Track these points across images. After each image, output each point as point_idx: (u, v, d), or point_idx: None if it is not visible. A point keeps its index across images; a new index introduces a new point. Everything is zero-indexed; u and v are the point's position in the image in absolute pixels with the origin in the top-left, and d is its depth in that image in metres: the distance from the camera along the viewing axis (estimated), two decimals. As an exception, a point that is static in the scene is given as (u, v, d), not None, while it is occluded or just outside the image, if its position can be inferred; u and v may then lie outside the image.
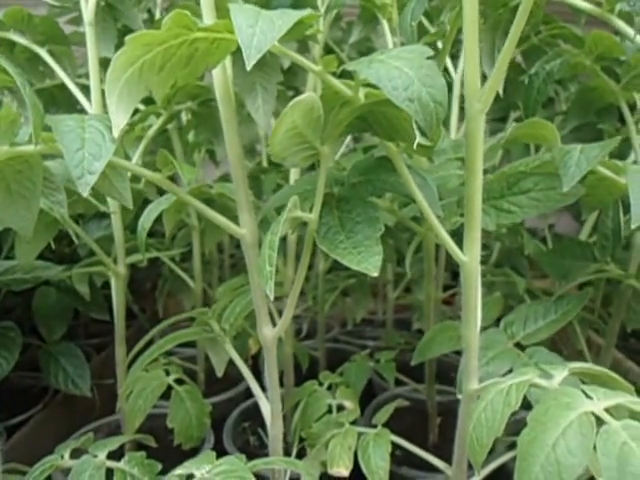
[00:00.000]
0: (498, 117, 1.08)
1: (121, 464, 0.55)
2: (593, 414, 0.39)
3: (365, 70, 0.41)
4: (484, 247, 0.55)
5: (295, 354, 0.91)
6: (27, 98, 0.35)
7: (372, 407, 0.93)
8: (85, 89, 0.77)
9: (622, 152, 0.83)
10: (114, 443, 0.58)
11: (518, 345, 0.67)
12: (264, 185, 1.04)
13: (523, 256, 0.98)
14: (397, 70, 0.40)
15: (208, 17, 0.50)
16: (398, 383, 0.99)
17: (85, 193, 0.36)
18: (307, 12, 0.39)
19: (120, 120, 0.39)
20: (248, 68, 0.35)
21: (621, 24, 0.62)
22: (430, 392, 0.89)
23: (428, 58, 0.42)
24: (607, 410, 0.39)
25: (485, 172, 0.51)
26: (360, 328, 1.34)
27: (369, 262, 0.45)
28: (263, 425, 0.94)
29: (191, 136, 0.99)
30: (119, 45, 0.76)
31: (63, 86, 0.89)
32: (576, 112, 0.87)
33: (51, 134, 0.41)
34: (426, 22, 0.82)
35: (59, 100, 0.94)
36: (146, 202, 0.71)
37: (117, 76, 0.39)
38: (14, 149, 0.40)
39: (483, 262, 0.56)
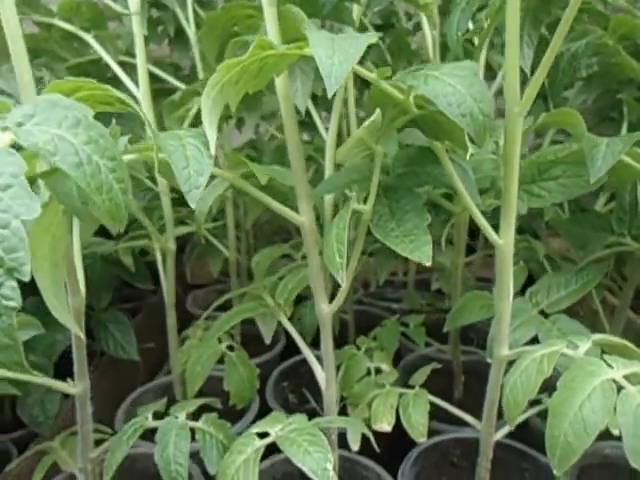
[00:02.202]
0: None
1: (200, 424, 0.63)
2: (614, 381, 0.46)
3: (422, 86, 0.46)
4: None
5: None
6: (148, 125, 0.41)
7: (400, 367, 1.00)
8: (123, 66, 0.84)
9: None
10: (192, 405, 0.66)
11: (542, 313, 0.74)
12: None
13: (542, 221, 1.04)
14: (451, 87, 0.46)
15: (271, 26, 0.56)
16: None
17: (193, 205, 0.42)
18: (373, 38, 0.45)
19: (213, 135, 0.45)
20: (329, 96, 0.41)
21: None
22: (455, 353, 0.97)
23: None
24: (625, 377, 0.46)
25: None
26: (382, 289, 1.40)
27: (421, 251, 0.52)
28: (300, 384, 1.04)
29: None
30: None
31: (95, 61, 0.94)
32: (598, 82, 0.92)
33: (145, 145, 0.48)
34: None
35: (91, 74, 0.99)
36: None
37: (207, 96, 0.45)
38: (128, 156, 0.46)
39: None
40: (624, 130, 0.94)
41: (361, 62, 0.48)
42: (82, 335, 0.55)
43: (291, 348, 1.14)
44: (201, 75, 0.97)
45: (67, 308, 0.51)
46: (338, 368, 0.84)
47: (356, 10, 0.75)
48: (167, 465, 0.59)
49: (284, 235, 1.40)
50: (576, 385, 0.47)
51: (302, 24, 0.53)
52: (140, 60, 0.81)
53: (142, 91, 0.82)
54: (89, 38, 0.86)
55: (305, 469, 0.51)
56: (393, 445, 0.78)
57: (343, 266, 0.49)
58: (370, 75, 0.51)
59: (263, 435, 0.57)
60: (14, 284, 0.30)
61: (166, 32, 1.06)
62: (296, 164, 0.59)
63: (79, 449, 0.62)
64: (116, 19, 0.98)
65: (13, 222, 0.29)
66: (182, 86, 0.96)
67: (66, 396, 0.84)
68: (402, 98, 0.52)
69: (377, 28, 0.98)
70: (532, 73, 0.75)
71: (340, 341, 0.90)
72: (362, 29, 0.86)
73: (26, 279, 0.30)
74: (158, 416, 0.65)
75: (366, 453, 0.76)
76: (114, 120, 0.47)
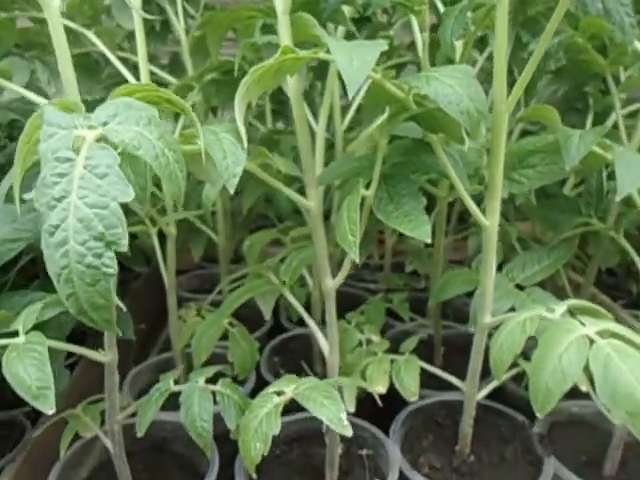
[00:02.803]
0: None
1: (218, 387, 0.70)
2: (587, 336, 0.54)
3: (425, 87, 0.54)
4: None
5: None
6: (200, 131, 0.48)
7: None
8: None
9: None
10: (208, 372, 0.73)
11: (518, 286, 0.82)
12: (281, 146, 1.15)
13: (513, 205, 1.13)
14: (451, 88, 0.53)
15: (284, 31, 0.62)
16: (401, 318, 1.16)
17: (232, 191, 0.49)
18: (384, 46, 0.52)
19: (243, 130, 0.52)
20: (350, 97, 0.47)
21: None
22: (437, 326, 1.05)
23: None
24: (597, 333, 0.54)
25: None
26: (359, 272, 1.46)
27: (420, 230, 0.59)
28: (289, 359, 1.11)
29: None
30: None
31: (85, 54, 0.98)
32: (567, 76, 1.00)
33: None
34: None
35: (82, 65, 1.02)
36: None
37: (239, 95, 0.52)
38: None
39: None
40: (589, 119, 1.03)
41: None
42: (123, 306, 0.62)
43: (279, 328, 1.22)
44: (189, 69, 1.02)
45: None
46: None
47: (346, 10, 0.81)
48: (193, 423, 0.66)
49: (260, 222, 1.47)
50: (555, 341, 0.55)
51: (313, 29, 0.60)
52: (141, 56, 0.85)
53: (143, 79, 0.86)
54: (90, 34, 0.90)
55: (323, 418, 0.59)
56: (383, 409, 0.87)
57: (356, 243, 0.56)
58: (375, 76, 0.58)
59: (279, 393, 0.64)
60: (112, 255, 0.36)
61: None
62: (305, 154, 0.65)
63: (107, 412, 0.68)
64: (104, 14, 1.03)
65: (111, 204, 0.36)
66: (173, 80, 1.01)
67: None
68: (403, 96, 0.59)
69: (355, 21, 1.05)
70: (509, 68, 0.84)
71: (324, 320, 0.98)
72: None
73: (124, 250, 0.36)
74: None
75: (361, 416, 0.84)
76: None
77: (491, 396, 0.84)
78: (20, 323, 0.60)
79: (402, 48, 1.06)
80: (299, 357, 1.10)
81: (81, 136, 0.38)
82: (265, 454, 0.60)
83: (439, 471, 0.80)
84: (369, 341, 0.90)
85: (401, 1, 0.67)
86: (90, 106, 0.43)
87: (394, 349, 0.90)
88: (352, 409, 0.80)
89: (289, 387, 0.64)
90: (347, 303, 1.15)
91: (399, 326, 1.16)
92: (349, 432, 0.58)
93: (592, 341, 0.53)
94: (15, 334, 0.58)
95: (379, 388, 0.78)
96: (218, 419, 0.70)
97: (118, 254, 1.03)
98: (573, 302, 0.63)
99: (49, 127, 0.37)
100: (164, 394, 0.69)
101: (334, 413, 0.59)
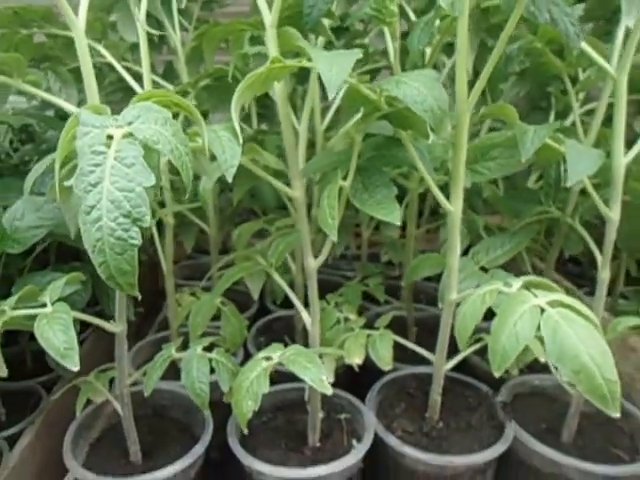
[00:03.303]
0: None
1: (214, 354, 0.79)
2: (539, 306, 0.62)
3: (395, 89, 0.62)
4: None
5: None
6: (203, 130, 0.56)
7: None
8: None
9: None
10: (205, 342, 0.81)
11: (482, 268, 0.91)
12: (267, 145, 1.23)
13: (480, 198, 1.22)
14: (416, 90, 0.62)
15: (271, 43, 0.70)
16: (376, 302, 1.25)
17: (230, 180, 0.57)
18: (359, 55, 0.60)
19: (238, 128, 0.60)
20: (330, 98, 0.56)
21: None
22: (409, 308, 1.14)
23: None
24: (548, 303, 0.62)
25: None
26: (337, 262, 1.56)
27: (392, 215, 0.68)
28: (274, 339, 1.19)
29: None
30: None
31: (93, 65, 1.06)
32: (529, 77, 1.08)
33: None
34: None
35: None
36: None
37: (235, 99, 0.60)
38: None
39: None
40: (552, 117, 1.12)
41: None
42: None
43: (264, 310, 1.31)
44: (184, 77, 1.10)
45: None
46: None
47: (326, 22, 0.89)
48: (192, 384, 0.75)
49: (245, 215, 1.56)
50: (511, 310, 0.63)
51: (297, 41, 0.68)
52: (145, 66, 0.92)
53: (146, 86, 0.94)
54: (100, 48, 0.98)
55: (307, 379, 0.68)
56: (360, 382, 0.96)
57: (335, 225, 0.65)
58: (351, 80, 0.67)
59: (268, 359, 0.73)
60: (137, 229, 0.44)
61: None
62: (290, 150, 0.73)
63: (117, 378, 0.77)
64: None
65: (137, 188, 0.44)
66: (169, 86, 1.10)
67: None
68: (376, 98, 0.68)
69: (334, 30, 1.13)
70: (475, 71, 0.93)
71: (306, 303, 1.06)
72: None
73: (147, 225, 0.44)
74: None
75: (339, 386, 0.93)
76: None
77: (460, 369, 0.94)
78: (47, 296, 0.69)
79: (377, 54, 1.14)
80: (283, 335, 1.19)
81: (111, 134, 0.46)
82: (255, 410, 0.68)
83: (411, 435, 0.89)
84: (347, 319, 0.98)
85: (374, 14, 0.75)
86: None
87: (370, 328, 0.98)
88: (331, 379, 0.88)
89: (276, 353, 0.73)
90: (327, 290, 1.23)
91: (374, 309, 1.25)
92: (329, 391, 0.67)
93: (543, 310, 0.60)
94: (42, 306, 0.68)
95: (356, 359, 0.87)
96: (212, 388, 0.78)
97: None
98: (528, 278, 0.71)
99: (84, 127, 0.45)
100: (167, 360, 0.78)
101: (316, 375, 0.68)
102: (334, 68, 0.57)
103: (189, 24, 1.19)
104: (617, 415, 0.55)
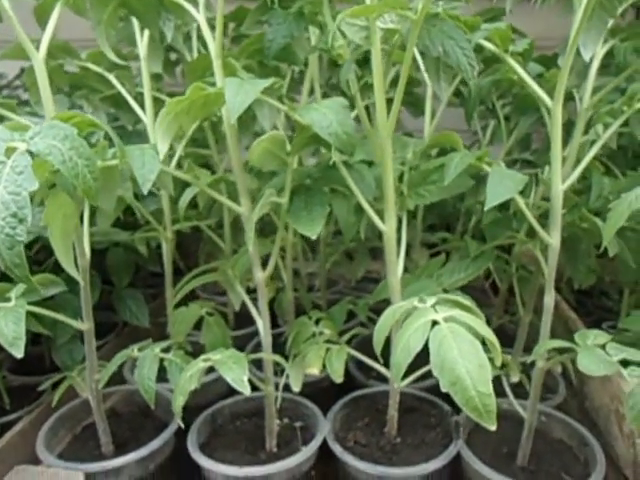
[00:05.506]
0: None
1: (169, 355, 0.87)
2: (434, 321, 0.65)
3: (305, 115, 0.69)
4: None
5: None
6: (115, 139, 0.65)
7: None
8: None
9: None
10: (163, 344, 0.89)
11: (444, 290, 0.94)
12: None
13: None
14: (323, 115, 0.68)
15: (218, 72, 0.78)
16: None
17: (145, 192, 0.65)
18: (270, 82, 0.67)
19: (164, 148, 0.69)
20: (232, 121, 0.63)
21: (512, 62, 0.85)
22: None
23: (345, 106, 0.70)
24: (444, 318, 0.66)
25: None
26: (362, 284, 1.60)
27: (314, 231, 0.74)
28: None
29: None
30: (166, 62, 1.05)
31: (119, 94, 1.19)
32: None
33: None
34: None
35: (120, 103, 1.23)
36: (187, 185, 1.01)
37: (162, 121, 0.69)
38: (105, 163, 0.70)
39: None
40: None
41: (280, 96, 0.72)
42: (81, 281, 0.80)
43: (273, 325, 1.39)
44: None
45: (72, 263, 0.75)
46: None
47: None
48: (142, 380, 0.83)
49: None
50: (409, 325, 0.66)
51: (236, 71, 0.77)
52: (146, 91, 1.04)
53: (148, 115, 1.05)
54: (111, 77, 1.10)
55: (228, 379, 0.74)
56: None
57: (252, 240, 0.72)
58: (283, 107, 0.74)
59: (206, 360, 0.80)
60: (23, 227, 0.54)
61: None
62: (238, 173, 0.81)
63: (87, 372, 0.87)
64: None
65: (23, 192, 0.53)
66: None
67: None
68: (304, 124, 0.75)
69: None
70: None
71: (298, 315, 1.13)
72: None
73: (28, 224, 0.53)
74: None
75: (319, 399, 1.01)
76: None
77: (431, 389, 0.97)
78: (13, 292, 0.80)
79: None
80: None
81: (14, 147, 0.56)
82: (183, 405, 0.76)
83: (364, 447, 0.93)
84: (321, 333, 1.03)
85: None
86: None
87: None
88: (297, 389, 0.94)
89: (216, 356, 0.80)
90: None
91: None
92: (247, 391, 0.73)
93: (435, 324, 0.64)
94: (7, 301, 0.80)
95: (314, 370, 0.92)
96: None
97: (133, 256, 1.23)
98: (443, 296, 0.75)
99: (-3, 141, 0.56)
100: (124, 356, 0.88)
101: (238, 375, 0.74)
102: (239, 95, 0.65)
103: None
104: (493, 428, 0.58)
